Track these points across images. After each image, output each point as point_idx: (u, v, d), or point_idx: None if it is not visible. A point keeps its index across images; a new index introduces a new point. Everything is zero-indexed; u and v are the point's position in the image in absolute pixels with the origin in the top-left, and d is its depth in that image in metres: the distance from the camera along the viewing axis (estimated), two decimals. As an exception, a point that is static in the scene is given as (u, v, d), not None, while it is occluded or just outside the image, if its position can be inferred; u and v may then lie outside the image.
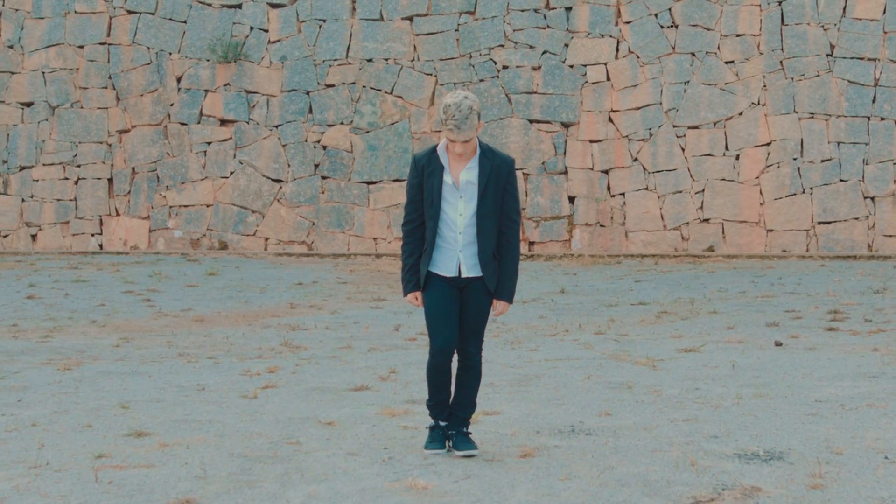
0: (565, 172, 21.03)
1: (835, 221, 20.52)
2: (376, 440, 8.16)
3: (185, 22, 21.90)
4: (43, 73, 22.22)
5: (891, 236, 20.42)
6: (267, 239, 21.55)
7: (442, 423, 7.86)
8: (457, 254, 7.71)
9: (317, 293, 16.66)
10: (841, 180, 20.52)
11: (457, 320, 7.72)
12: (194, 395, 9.66)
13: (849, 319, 13.69)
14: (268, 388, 9.87)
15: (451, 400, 7.86)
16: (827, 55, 20.61)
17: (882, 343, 11.91)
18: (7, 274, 18.68)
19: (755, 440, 8.04)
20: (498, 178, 7.68)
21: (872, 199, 20.50)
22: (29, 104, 22.24)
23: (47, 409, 9.15)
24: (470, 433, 7.88)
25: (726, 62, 20.81)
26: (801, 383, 9.91)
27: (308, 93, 21.61)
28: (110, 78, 22.04)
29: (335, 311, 14.97)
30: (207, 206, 21.73)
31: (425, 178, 7.75)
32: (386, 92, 21.41)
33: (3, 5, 22.31)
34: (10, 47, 22.32)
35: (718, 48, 20.85)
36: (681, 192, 20.81)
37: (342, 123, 21.48)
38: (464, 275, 7.72)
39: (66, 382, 10.24)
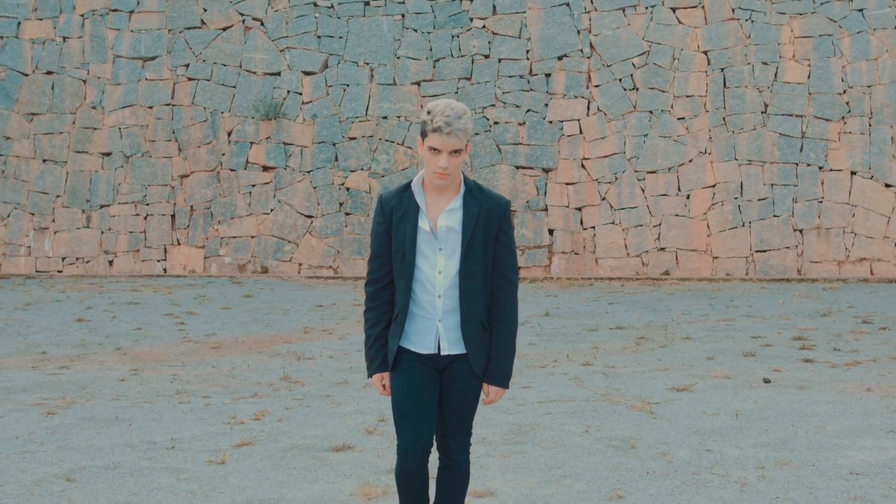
0: (546, 209, 17.48)
1: (769, 250, 16.98)
2: (342, 546, 4.58)
3: (234, 87, 18.40)
4: (119, 128, 18.71)
5: (816, 262, 16.86)
6: (300, 264, 18.01)
7: (421, 538, 4.21)
8: (435, 324, 4.07)
9: (332, 316, 13.07)
10: (774, 216, 16.99)
11: (433, 412, 4.05)
12: (158, 458, 6.08)
13: (816, 348, 10.07)
14: (242, 447, 6.29)
15: (431, 508, 4.25)
16: (762, 112, 17.12)
17: (871, 380, 8.30)
18: (74, 296, 15.12)
19: (812, 550, 4.45)
20: (488, 224, 4.06)
21: (801, 231, 16.95)
22: (108, 154, 18.74)
23: (-16, 483, 5.59)
24: (456, 551, 4.25)
25: (678, 118, 17.29)
26: (819, 442, 6.30)
27: (334, 144, 18.10)
28: (174, 132, 18.54)
29: (343, 335, 11.37)
30: (252, 237, 18.20)
31: (394, 224, 4.08)
32: (398, 143, 17.92)
33: (88, 74, 18.81)
34: (94, 108, 18.82)
35: (672, 107, 17.31)
36: (641, 225, 17.25)
37: (362, 169, 17.97)
38: (444, 351, 4.06)
39: (37, 435, 6.67)
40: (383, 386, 4.14)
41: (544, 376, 8.71)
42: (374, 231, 4.16)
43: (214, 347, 10.50)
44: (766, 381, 8.29)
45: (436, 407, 4.04)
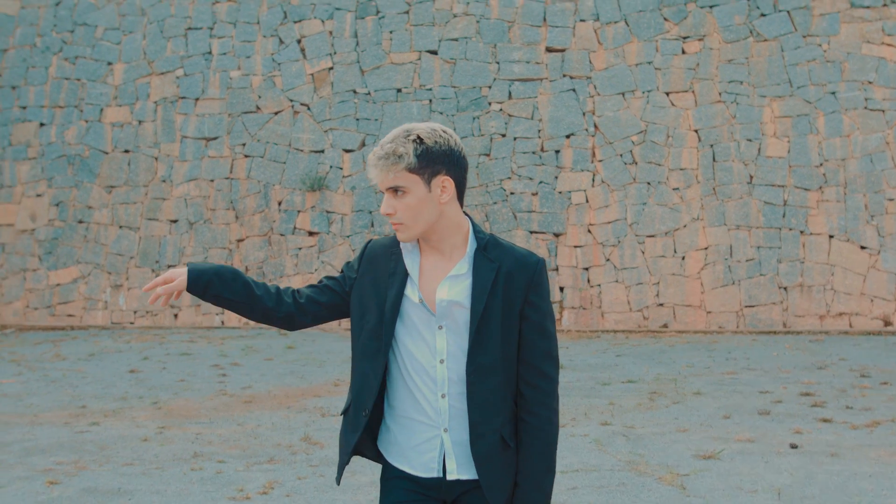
0: (556, 269, 15.79)
1: (757, 305, 15.18)
2: None
3: (284, 163, 16.95)
4: (185, 199, 17.28)
5: (800, 316, 15.05)
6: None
7: None
8: (439, 435, 2.14)
9: (363, 367, 11.32)
10: (761, 275, 15.21)
11: None
12: (147, 551, 4.37)
13: (827, 405, 8.27)
14: (241, 536, 4.57)
15: None
16: (747, 183, 15.44)
17: (902, 447, 6.48)
18: (136, 346, 13.55)
19: None
20: (509, 294, 2.15)
21: (785, 288, 15.15)
22: (175, 221, 17.28)
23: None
24: None
25: (673, 188, 15.64)
26: (885, 533, 4.51)
27: (370, 212, 16.56)
28: (231, 202, 17.08)
29: (371, 389, 9.62)
30: (298, 293, 16.60)
31: (368, 285, 2.25)
32: (426, 211, 16.32)
33: (159, 152, 17.46)
34: (163, 181, 17.42)
35: (667, 178, 15.67)
36: (642, 283, 15.51)
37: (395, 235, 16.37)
38: (452, 475, 2.13)
39: (30, 513, 4.99)
40: (169, 283, 2.31)
41: (564, 438, 6.97)
42: (341, 269, 2.44)
43: (246, 402, 8.83)
44: (794, 446, 6.50)
45: None
